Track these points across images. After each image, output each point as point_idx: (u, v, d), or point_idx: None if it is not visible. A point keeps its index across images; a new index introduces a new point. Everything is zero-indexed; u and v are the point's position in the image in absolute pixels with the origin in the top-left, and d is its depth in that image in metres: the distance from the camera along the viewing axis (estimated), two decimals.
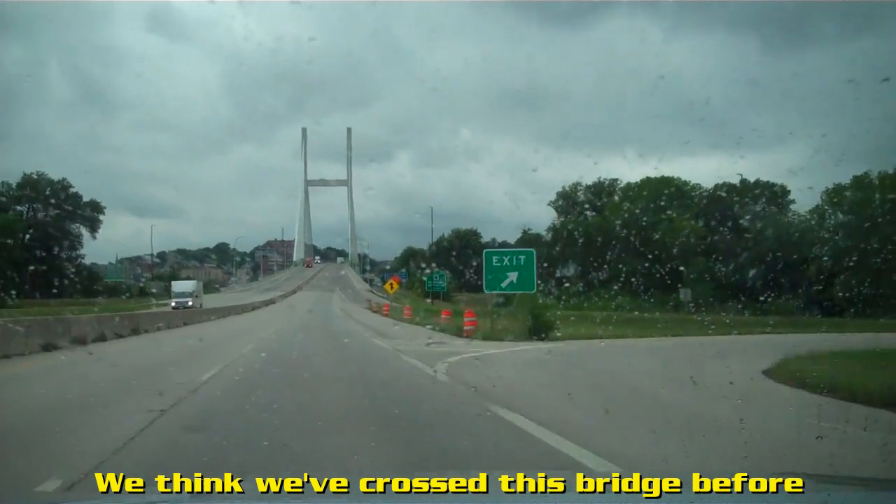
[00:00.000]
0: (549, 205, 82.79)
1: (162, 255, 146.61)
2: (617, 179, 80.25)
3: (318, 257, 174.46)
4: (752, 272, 51.04)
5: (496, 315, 27.89)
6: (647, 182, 68.65)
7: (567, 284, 56.46)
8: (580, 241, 62.01)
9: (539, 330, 23.63)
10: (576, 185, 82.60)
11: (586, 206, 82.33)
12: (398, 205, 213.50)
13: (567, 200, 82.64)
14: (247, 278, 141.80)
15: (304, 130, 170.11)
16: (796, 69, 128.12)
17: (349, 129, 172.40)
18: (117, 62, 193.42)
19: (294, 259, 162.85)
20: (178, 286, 60.73)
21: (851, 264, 44.47)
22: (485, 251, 27.23)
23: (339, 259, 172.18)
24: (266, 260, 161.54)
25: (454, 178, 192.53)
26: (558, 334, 23.59)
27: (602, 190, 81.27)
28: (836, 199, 54.88)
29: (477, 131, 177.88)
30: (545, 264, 73.59)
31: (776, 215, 61.09)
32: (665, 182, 68.51)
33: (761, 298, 46.21)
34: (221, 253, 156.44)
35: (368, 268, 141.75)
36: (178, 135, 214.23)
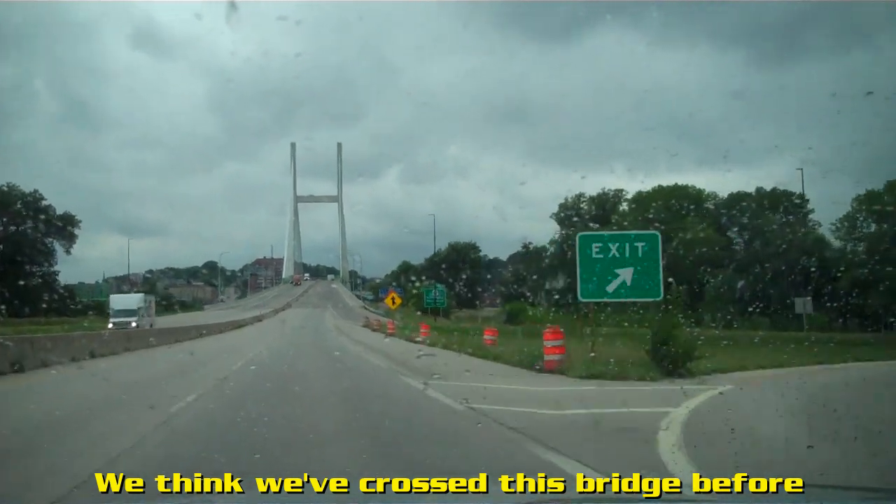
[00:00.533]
0: (551, 217, 79.73)
1: (150, 274, 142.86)
2: (622, 190, 77.53)
3: (307, 274, 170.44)
4: (773, 284, 47.30)
5: (590, 339, 18.76)
6: (660, 191, 64.69)
7: (556, 297, 52.80)
8: None
9: (670, 360, 15.42)
10: (578, 197, 79.31)
11: (587, 217, 78.41)
12: (387, 221, 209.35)
13: (569, 212, 79.50)
14: (235, 296, 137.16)
15: (292, 146, 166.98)
16: (782, 82, 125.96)
17: (339, 145, 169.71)
18: (104, 79, 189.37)
19: (283, 276, 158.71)
20: (117, 301, 48.31)
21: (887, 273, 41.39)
22: (579, 235, 18.35)
23: (330, 276, 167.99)
24: (255, 277, 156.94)
25: (442, 193, 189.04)
26: (693, 367, 15.68)
27: (606, 201, 77.99)
28: (865, 207, 51.34)
29: (465, 147, 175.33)
30: (534, 276, 71.63)
31: (799, 224, 57.19)
32: (678, 190, 64.41)
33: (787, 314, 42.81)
34: (210, 270, 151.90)
35: (360, 283, 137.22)
36: (166, 152, 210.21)
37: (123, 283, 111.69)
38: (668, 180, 71.98)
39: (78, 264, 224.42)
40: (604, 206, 76.46)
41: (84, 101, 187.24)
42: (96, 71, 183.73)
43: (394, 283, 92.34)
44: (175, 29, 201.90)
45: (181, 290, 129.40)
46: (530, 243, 77.27)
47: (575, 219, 76.17)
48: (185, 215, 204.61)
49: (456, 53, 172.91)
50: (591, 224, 69.05)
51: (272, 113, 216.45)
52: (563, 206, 79.49)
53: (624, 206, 75.52)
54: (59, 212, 73.80)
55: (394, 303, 45.31)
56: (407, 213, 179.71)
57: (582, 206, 79.46)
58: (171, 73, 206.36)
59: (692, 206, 61.66)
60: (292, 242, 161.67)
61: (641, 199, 66.85)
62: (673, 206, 60.17)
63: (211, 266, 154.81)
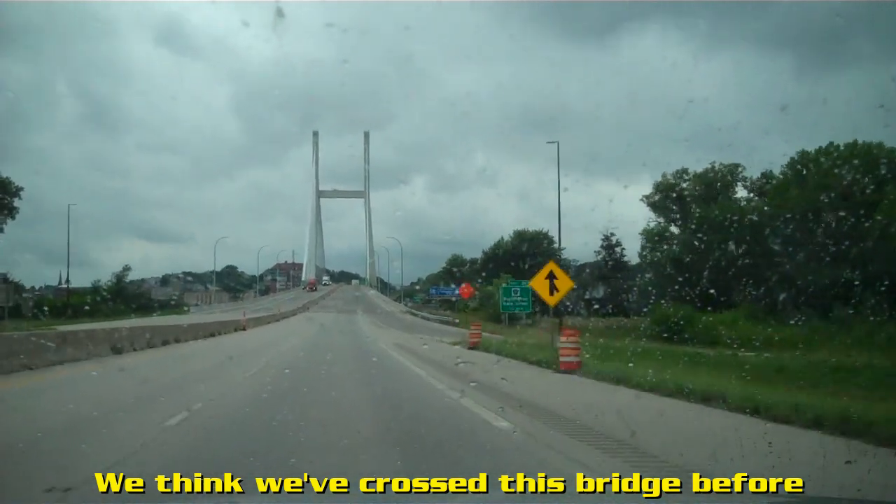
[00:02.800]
0: (641, 200, 64.83)
1: (166, 278, 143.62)
2: (739, 165, 61.01)
3: (326, 277, 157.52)
4: None
5: None
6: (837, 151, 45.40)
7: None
8: (720, 244, 41.10)
9: None
10: (680, 174, 62.69)
11: (689, 199, 61.57)
12: (411, 230, 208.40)
13: (666, 194, 63.72)
14: (253, 298, 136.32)
15: (315, 134, 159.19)
16: (827, 94, 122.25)
17: (367, 133, 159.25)
18: (126, 80, 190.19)
19: (303, 279, 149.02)
20: None
21: None
22: None
23: (355, 281, 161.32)
24: (275, 283, 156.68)
25: (468, 202, 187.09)
26: None
27: (717, 179, 61.17)
28: None
29: (494, 155, 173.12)
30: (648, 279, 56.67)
31: None
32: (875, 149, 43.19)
33: None
34: (229, 276, 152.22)
35: (388, 289, 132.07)
36: (188, 156, 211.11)
37: (138, 288, 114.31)
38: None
39: (98, 267, 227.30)
40: (714, 184, 61.08)
41: (105, 101, 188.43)
42: (118, 72, 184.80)
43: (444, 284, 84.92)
44: (200, 30, 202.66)
45: (198, 296, 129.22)
46: (612, 234, 64.65)
47: (673, 204, 63.26)
48: (205, 221, 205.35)
49: (489, 58, 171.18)
50: (694, 209, 55.26)
51: (297, 119, 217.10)
52: (658, 186, 63.93)
53: (741, 189, 61.13)
54: None
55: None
56: (432, 222, 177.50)
57: (684, 185, 63.66)
58: (195, 75, 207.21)
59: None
60: (314, 243, 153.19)
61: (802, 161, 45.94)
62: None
63: (230, 271, 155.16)
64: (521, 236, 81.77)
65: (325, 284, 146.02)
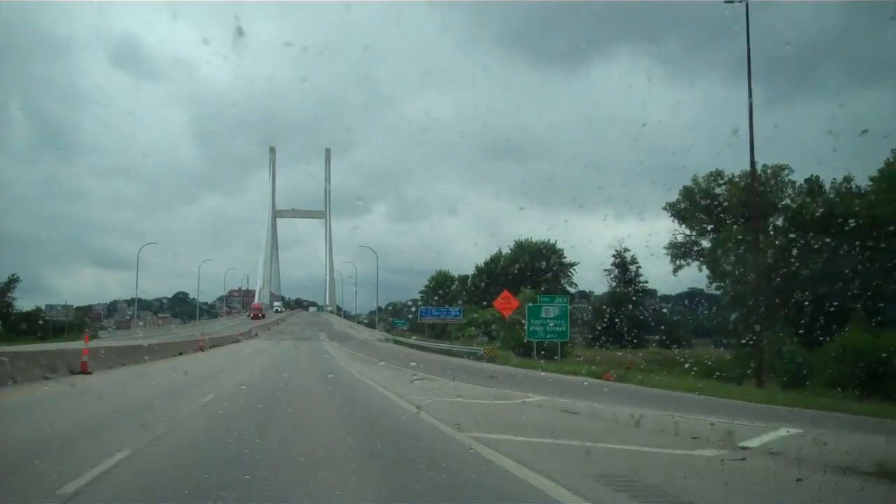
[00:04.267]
0: (664, 209, 55.88)
1: (114, 304, 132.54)
2: (785, 167, 52.58)
3: (279, 303, 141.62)
4: None
5: None
6: None
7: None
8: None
9: None
10: (715, 176, 53.70)
11: (724, 205, 52.22)
12: (370, 259, 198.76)
13: (694, 201, 54.10)
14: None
15: (271, 150, 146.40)
16: (777, 120, 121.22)
17: (328, 150, 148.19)
18: (82, 101, 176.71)
19: (274, 306, 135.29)
20: None
21: None
22: None
23: (312, 308, 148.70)
24: (230, 309, 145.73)
25: (430, 231, 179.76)
26: None
27: (761, 182, 50.20)
28: None
29: (455, 182, 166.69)
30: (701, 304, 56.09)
31: None
32: None
33: None
34: (180, 302, 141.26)
35: (349, 316, 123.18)
36: (144, 181, 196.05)
37: (86, 314, 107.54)
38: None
39: (49, 293, 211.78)
40: (762, 191, 49.77)
41: (59, 123, 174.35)
42: (73, 92, 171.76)
43: (424, 306, 68.31)
44: (158, 50, 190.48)
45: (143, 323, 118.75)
46: (626, 249, 58.82)
47: (701, 213, 54.53)
48: (159, 248, 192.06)
49: (454, 84, 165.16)
50: (728, 221, 48.29)
51: (256, 142, 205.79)
52: (685, 192, 54.37)
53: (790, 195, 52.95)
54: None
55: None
56: (392, 251, 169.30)
57: (718, 191, 54.39)
58: (152, 97, 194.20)
59: None
60: (268, 267, 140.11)
61: None
62: None
63: (180, 297, 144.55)
64: (522, 248, 71.22)
65: (276, 311, 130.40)
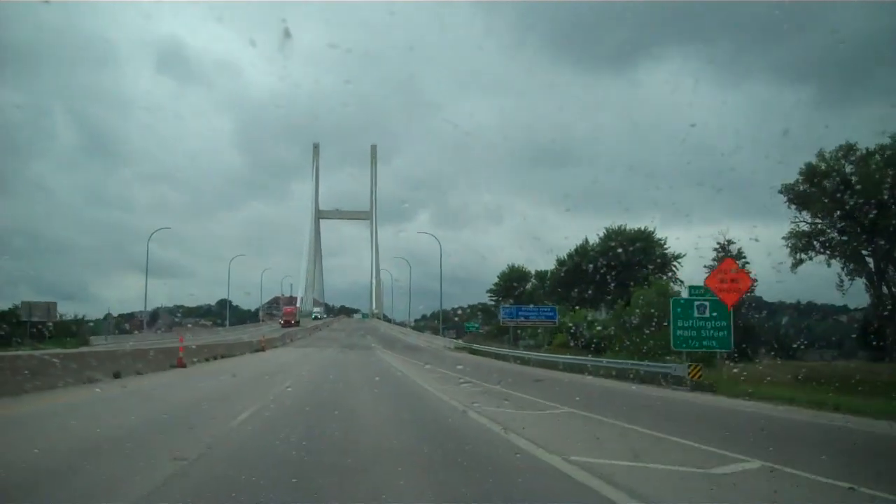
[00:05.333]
0: (780, 192, 45.45)
1: (155, 312, 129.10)
2: None
3: (318, 309, 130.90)
4: None
5: None
6: None
7: None
8: None
9: None
10: (845, 151, 42.84)
11: (857, 187, 41.32)
12: (414, 266, 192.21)
13: (819, 181, 43.52)
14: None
15: (315, 147, 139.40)
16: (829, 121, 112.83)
17: (374, 147, 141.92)
18: (126, 108, 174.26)
19: (312, 312, 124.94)
20: None
21: None
22: None
23: (356, 315, 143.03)
24: (271, 316, 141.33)
25: (472, 239, 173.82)
26: None
27: None
28: None
29: (499, 188, 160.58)
30: None
31: None
32: None
33: None
34: (223, 309, 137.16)
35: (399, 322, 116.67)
36: (187, 188, 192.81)
37: (127, 321, 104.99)
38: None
39: (94, 302, 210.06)
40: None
41: (103, 131, 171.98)
42: (118, 98, 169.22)
43: (508, 305, 57.86)
44: (202, 54, 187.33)
45: (187, 330, 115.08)
46: (730, 243, 47.46)
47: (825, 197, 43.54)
48: (203, 255, 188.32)
49: (497, 88, 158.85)
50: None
51: (300, 148, 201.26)
52: (809, 170, 44.00)
53: None
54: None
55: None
56: (433, 260, 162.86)
57: (847, 166, 43.95)
58: (196, 101, 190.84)
59: None
60: (312, 270, 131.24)
61: None
62: None
63: (223, 305, 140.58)
64: (611, 236, 59.28)
65: (315, 318, 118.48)
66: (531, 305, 56.53)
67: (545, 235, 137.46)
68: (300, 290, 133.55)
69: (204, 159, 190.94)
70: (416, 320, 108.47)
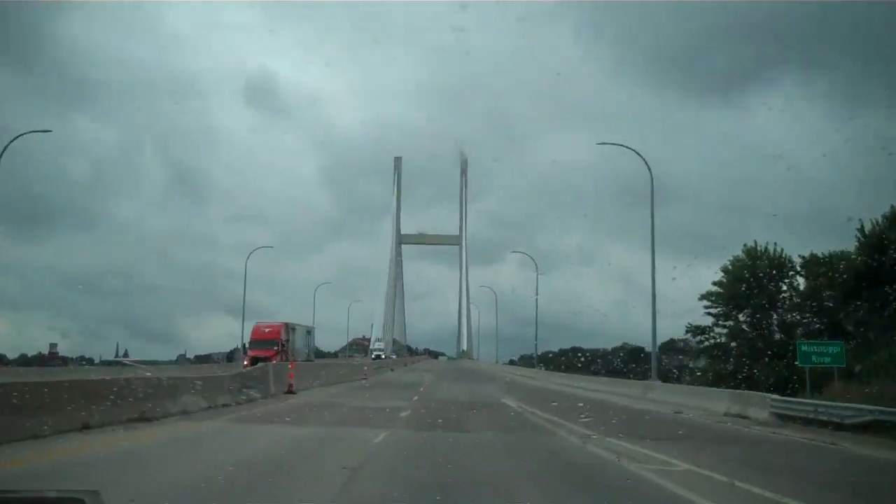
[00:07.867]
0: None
1: (232, 353, 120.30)
2: None
3: (379, 344, 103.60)
4: None
5: None
6: None
7: None
8: None
9: None
10: None
11: None
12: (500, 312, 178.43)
13: None
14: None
15: (397, 160, 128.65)
16: None
17: (464, 161, 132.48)
18: (214, 146, 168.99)
19: (371, 347, 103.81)
20: None
21: None
22: None
23: (442, 357, 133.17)
24: (352, 356, 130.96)
25: (563, 284, 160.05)
26: None
27: None
28: None
29: (590, 231, 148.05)
30: None
31: None
32: None
33: None
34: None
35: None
36: (275, 228, 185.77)
37: (204, 362, 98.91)
38: None
39: (181, 342, 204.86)
40: None
41: (192, 168, 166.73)
42: (206, 135, 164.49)
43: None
44: (290, 90, 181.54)
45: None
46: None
47: None
48: (291, 296, 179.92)
49: (591, 120, 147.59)
50: None
51: (387, 188, 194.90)
52: None
53: None
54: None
55: None
56: (525, 301, 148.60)
57: None
58: (283, 138, 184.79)
59: None
60: (391, 302, 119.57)
61: None
62: None
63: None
64: (751, 255, 41.09)
65: (375, 356, 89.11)
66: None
67: (635, 277, 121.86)
68: (377, 328, 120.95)
69: (291, 197, 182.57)
70: (522, 357, 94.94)
